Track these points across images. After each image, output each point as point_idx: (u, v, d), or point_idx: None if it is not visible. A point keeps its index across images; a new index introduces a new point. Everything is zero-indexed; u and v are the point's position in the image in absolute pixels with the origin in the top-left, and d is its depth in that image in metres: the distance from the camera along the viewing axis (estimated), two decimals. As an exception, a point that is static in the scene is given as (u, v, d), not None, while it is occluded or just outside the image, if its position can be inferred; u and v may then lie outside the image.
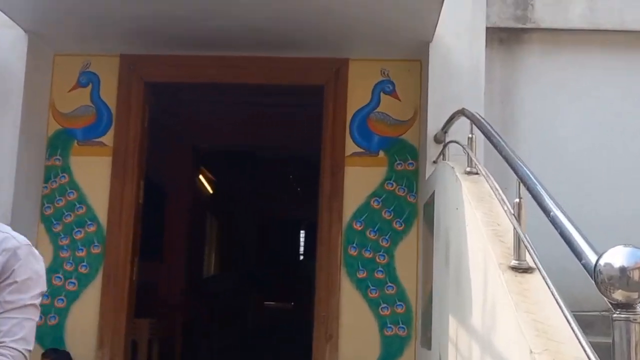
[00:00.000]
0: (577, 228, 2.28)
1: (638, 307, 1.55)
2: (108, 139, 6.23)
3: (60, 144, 6.23)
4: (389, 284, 5.97)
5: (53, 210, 6.14)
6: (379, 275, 6.00)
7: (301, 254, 15.01)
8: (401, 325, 5.91)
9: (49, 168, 6.20)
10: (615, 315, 1.56)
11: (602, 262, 1.56)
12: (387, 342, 5.90)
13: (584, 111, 6.12)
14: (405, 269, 5.97)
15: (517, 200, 3.02)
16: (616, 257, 1.54)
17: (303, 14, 5.48)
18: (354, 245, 6.05)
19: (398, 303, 5.95)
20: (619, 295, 1.54)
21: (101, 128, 6.25)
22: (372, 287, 5.98)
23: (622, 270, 1.51)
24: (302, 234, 14.83)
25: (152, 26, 5.78)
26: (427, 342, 5.18)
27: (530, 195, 2.87)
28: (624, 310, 1.54)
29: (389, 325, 5.92)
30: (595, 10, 6.02)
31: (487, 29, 5.87)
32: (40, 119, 6.14)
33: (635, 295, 1.53)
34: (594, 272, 1.58)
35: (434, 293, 4.87)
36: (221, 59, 6.32)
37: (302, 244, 15.02)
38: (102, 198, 6.16)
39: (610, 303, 1.58)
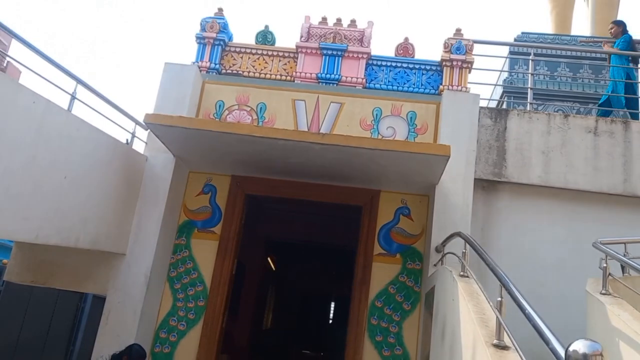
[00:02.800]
0: (544, 322, 2.35)
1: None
2: (217, 229, 6.40)
3: (185, 229, 6.40)
4: (397, 347, 5.89)
5: (176, 273, 6.25)
6: (391, 340, 5.93)
7: (331, 319, 14.70)
8: (404, 377, 5.80)
9: (176, 245, 6.34)
10: (579, 385, 1.62)
11: (571, 349, 1.64)
12: (394, 388, 5.78)
13: (538, 243, 6.04)
14: (409, 337, 5.90)
15: (499, 299, 3.07)
16: (581, 346, 1.62)
17: (353, 162, 5.66)
18: (375, 316, 6.02)
19: (403, 361, 5.86)
20: (582, 372, 1.61)
21: (214, 221, 6.44)
22: (385, 348, 5.91)
23: (585, 355, 1.60)
24: (333, 304, 14.58)
25: (252, 160, 6.03)
26: (423, 391, 5.06)
27: (509, 296, 2.94)
28: (585, 382, 1.61)
29: (395, 376, 5.81)
30: (548, 173, 6.10)
31: (475, 179, 6.00)
32: (175, 211, 6.33)
33: (592, 373, 1.60)
34: (565, 354, 1.65)
35: (431, 356, 4.81)
36: (296, 183, 6.48)
37: (332, 311, 14.75)
38: (208, 268, 6.26)
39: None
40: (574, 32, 10.56)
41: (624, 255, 4.23)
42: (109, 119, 6.41)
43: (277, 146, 5.49)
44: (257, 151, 5.78)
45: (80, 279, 5.93)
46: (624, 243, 4.43)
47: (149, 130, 5.99)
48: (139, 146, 6.75)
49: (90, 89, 5.84)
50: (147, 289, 5.76)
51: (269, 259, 11.70)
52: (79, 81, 5.59)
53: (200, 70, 6.80)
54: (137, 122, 6.81)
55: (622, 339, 3.68)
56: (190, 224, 6.43)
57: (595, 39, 9.08)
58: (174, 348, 6.00)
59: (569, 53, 8.46)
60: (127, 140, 7.25)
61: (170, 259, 6.30)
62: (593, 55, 8.58)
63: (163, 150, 6.04)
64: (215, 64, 6.99)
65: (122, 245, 5.79)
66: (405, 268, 6.15)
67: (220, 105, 6.71)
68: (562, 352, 1.91)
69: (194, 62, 6.96)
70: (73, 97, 5.42)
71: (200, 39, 7.07)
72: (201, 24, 7.11)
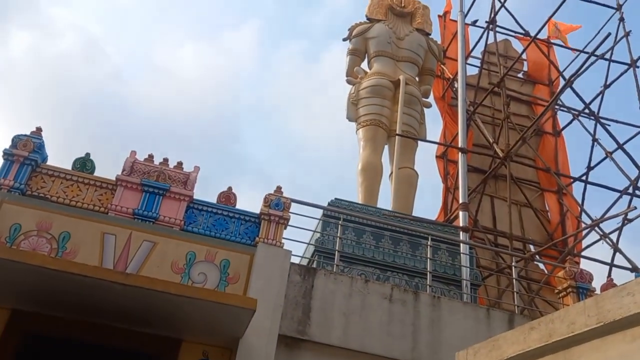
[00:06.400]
0: None
1: None
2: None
3: None
4: None
5: None
6: None
7: None
8: None
9: None
10: None
11: None
12: None
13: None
14: None
15: None
16: None
17: (158, 306, 5.35)
18: None
19: None
20: None
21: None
22: None
23: None
24: None
25: (42, 293, 5.38)
26: None
27: None
28: None
29: None
30: (348, 335, 6.30)
31: (279, 335, 5.92)
32: None
33: None
34: None
35: None
36: (90, 324, 5.76)
37: None
38: None
39: None
40: (379, 205, 11.78)
41: None
42: None
43: (73, 282, 4.97)
44: (48, 285, 5.17)
45: None
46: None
47: None
48: None
49: None
50: None
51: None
52: None
53: (1, 188, 6.13)
54: None
55: None
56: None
57: (396, 214, 10.19)
58: None
59: (373, 223, 9.32)
60: None
61: None
62: (392, 227, 9.55)
63: None
64: (21, 184, 6.40)
65: None
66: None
67: (15, 229, 5.99)
68: None
69: (-6, 178, 6.29)
70: None
71: (8, 155, 6.50)
72: (13, 140, 6.59)
